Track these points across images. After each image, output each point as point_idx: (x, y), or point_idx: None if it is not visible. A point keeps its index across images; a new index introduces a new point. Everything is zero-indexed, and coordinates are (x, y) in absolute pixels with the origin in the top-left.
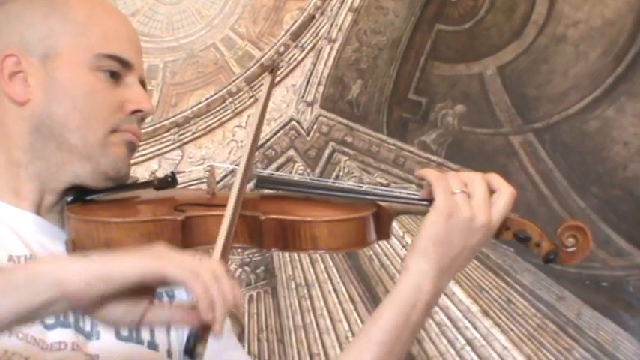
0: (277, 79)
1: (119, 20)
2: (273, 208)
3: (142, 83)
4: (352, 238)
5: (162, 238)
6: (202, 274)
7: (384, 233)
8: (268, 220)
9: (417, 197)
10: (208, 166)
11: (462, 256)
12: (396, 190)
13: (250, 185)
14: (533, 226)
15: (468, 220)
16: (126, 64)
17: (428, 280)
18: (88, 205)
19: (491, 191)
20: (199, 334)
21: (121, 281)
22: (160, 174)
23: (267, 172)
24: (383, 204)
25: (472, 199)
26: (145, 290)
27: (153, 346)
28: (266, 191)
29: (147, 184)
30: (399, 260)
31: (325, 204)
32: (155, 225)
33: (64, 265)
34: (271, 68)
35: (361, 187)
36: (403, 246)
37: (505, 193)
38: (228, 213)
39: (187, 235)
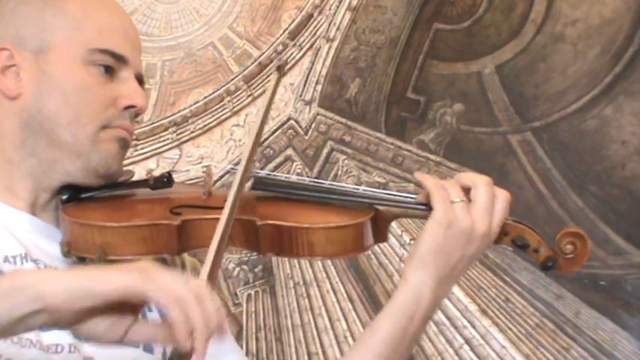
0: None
1: (116, 15)
2: (270, 213)
3: (140, 79)
4: (350, 244)
5: (158, 242)
6: (185, 300)
7: (381, 236)
8: (265, 226)
9: (414, 201)
10: (204, 166)
11: (461, 266)
12: (394, 193)
13: (247, 184)
14: (532, 232)
15: (468, 230)
16: (120, 59)
17: (427, 291)
18: (83, 205)
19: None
20: (181, 355)
21: (102, 297)
22: (158, 173)
23: (264, 173)
24: (381, 208)
25: (473, 206)
26: (129, 306)
27: (148, 349)
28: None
29: (143, 183)
30: (397, 259)
31: (323, 208)
32: (151, 229)
33: (46, 279)
34: (278, 66)
35: (359, 189)
36: (401, 245)
37: (502, 198)
38: (220, 227)
39: (183, 238)
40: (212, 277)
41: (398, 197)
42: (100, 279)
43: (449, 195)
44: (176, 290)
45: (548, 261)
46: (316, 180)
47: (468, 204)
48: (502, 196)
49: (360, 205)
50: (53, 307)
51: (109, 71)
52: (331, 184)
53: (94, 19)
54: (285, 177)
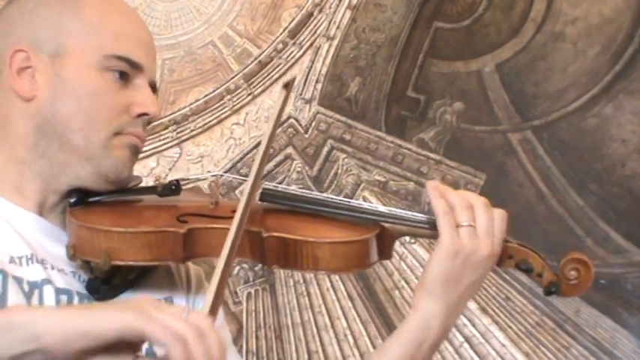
0: (276, 76)
1: (132, 21)
2: (276, 225)
3: (153, 85)
4: (354, 260)
5: (163, 249)
6: (185, 336)
7: (386, 254)
8: (270, 238)
9: (422, 220)
10: (212, 175)
11: (469, 291)
12: (402, 211)
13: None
14: (535, 257)
15: (474, 256)
16: (135, 66)
17: (437, 321)
18: (90, 209)
19: None
20: None
21: (99, 337)
22: (158, 171)
23: (272, 185)
24: (387, 225)
25: (476, 229)
26: (126, 345)
27: None
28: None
29: (150, 190)
30: (398, 258)
31: (329, 222)
32: (157, 236)
33: (42, 318)
34: (287, 83)
35: (366, 205)
36: (401, 243)
37: (499, 217)
38: (229, 239)
39: (189, 246)
40: (214, 309)
41: (405, 216)
42: (96, 319)
43: (457, 219)
44: (176, 326)
45: (552, 286)
46: (324, 194)
47: (474, 228)
48: (499, 215)
49: (366, 221)
50: (48, 348)
51: (124, 77)
52: (339, 199)
53: (111, 25)
54: (294, 190)
